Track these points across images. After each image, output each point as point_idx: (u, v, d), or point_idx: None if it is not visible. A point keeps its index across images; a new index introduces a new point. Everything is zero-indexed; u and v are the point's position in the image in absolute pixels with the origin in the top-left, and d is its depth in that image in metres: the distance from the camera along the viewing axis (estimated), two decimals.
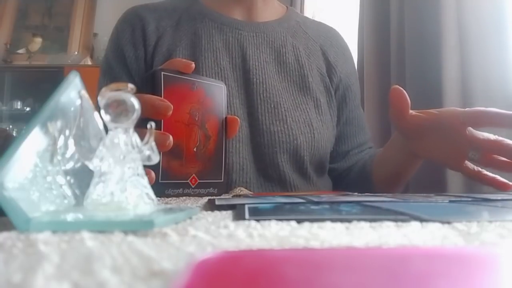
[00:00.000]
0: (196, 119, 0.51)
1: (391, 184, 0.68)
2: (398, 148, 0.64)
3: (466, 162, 0.55)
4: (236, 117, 0.55)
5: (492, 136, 0.52)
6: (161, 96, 0.46)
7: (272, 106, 0.68)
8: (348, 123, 0.79)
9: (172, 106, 0.43)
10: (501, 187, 0.53)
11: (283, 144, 0.67)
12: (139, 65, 0.70)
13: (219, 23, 0.73)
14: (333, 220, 0.23)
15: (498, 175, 0.54)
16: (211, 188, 0.52)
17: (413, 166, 0.65)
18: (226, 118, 0.55)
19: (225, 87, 0.56)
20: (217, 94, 0.54)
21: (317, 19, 1.13)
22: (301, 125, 0.69)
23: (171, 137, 0.42)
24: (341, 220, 0.23)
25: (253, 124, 0.68)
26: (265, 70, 0.71)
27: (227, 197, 0.48)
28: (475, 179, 0.56)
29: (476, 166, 0.55)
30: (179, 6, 0.76)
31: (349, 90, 0.79)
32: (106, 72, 0.72)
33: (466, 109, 0.54)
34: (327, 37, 0.81)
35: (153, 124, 0.26)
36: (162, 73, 0.48)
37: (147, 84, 0.47)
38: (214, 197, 0.46)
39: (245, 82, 0.70)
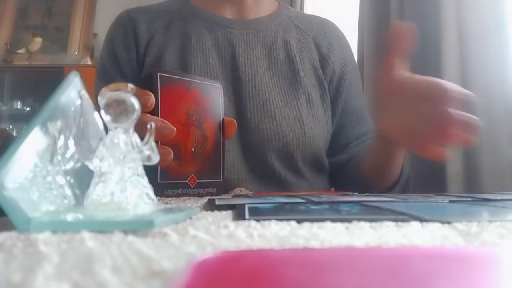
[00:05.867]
0: (193, 119, 0.51)
1: (378, 174, 0.65)
2: (376, 137, 0.62)
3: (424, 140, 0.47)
4: (234, 120, 0.55)
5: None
6: (157, 97, 0.46)
7: (261, 103, 0.68)
8: (345, 114, 0.77)
9: (175, 130, 0.44)
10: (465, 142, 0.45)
11: (272, 142, 0.66)
12: (132, 66, 0.71)
13: (209, 22, 0.73)
14: (333, 220, 0.23)
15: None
16: (210, 188, 0.52)
17: (389, 153, 0.60)
18: (223, 119, 0.55)
19: (221, 87, 0.56)
20: (214, 94, 0.54)
21: None
22: (290, 121, 0.68)
23: (172, 152, 0.44)
24: (341, 220, 0.23)
25: (242, 122, 0.67)
26: (254, 67, 0.71)
27: (227, 197, 0.48)
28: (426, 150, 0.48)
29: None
30: (171, 7, 0.76)
31: (343, 80, 0.77)
32: (101, 75, 0.73)
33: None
34: (320, 28, 0.80)
35: (153, 124, 0.26)
36: (159, 74, 0.48)
37: (144, 85, 0.47)
38: (214, 197, 0.46)
39: (234, 80, 0.70)
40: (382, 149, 0.61)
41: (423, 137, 0.47)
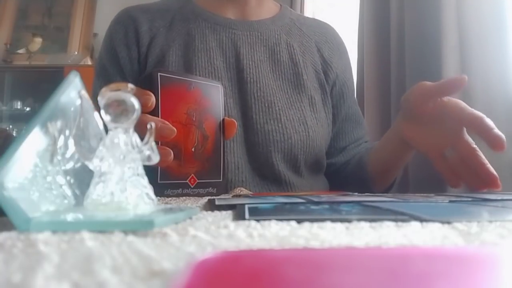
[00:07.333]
0: (194, 119, 0.51)
1: (384, 174, 0.69)
2: (391, 137, 0.65)
3: (442, 157, 0.56)
4: (234, 120, 0.55)
5: (473, 146, 0.52)
6: (158, 97, 0.46)
7: (266, 105, 0.68)
8: (347, 119, 0.79)
9: (175, 130, 0.44)
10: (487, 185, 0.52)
11: (278, 143, 0.67)
12: (132, 66, 0.70)
13: (212, 23, 0.73)
14: (333, 220, 0.23)
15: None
16: (210, 188, 0.52)
17: (403, 155, 0.65)
18: (223, 119, 0.55)
19: (222, 87, 0.56)
20: (214, 94, 0.54)
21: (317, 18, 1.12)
22: (295, 123, 0.69)
23: (172, 152, 0.43)
24: (341, 220, 0.23)
25: (247, 124, 0.67)
26: (259, 69, 0.71)
27: (227, 197, 0.48)
28: (444, 174, 0.56)
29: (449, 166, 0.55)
30: (172, 6, 0.76)
31: (346, 86, 0.79)
32: (100, 74, 0.72)
33: (470, 112, 0.52)
34: (321, 33, 0.80)
35: (153, 124, 0.26)
36: (159, 73, 0.48)
37: (144, 85, 0.47)
38: (214, 197, 0.46)
39: (239, 81, 0.70)
40: (396, 148, 0.64)
41: (439, 152, 0.56)
